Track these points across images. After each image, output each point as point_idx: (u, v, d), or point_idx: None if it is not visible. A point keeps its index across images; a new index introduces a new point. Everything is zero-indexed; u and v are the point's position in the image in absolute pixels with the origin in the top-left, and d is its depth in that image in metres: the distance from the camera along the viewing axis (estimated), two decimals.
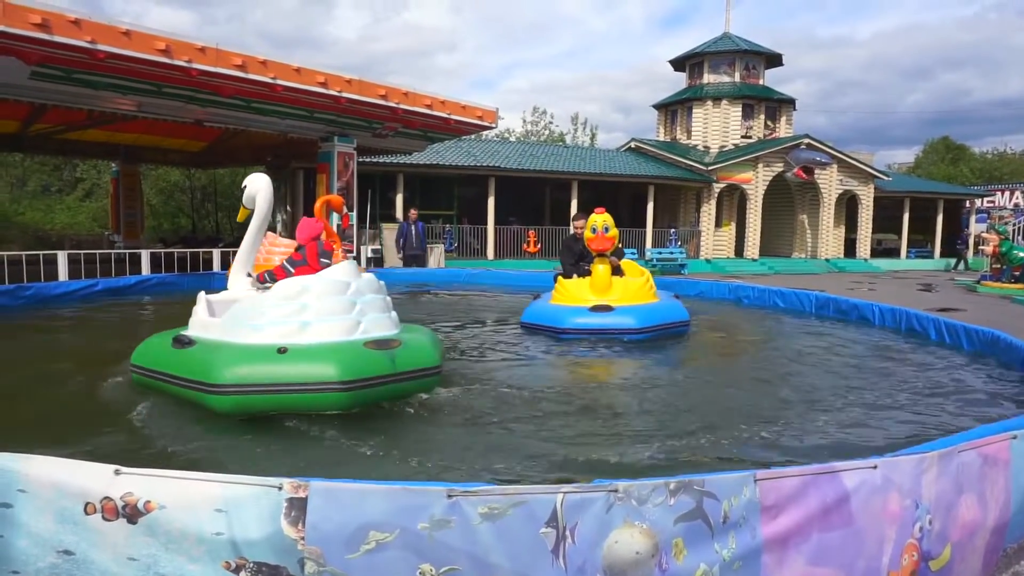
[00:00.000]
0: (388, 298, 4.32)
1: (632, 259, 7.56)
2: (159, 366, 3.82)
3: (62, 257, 10.52)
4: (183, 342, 3.82)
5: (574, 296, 6.25)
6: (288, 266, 4.35)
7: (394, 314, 4.28)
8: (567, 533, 1.87)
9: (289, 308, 3.81)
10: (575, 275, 6.55)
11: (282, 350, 3.54)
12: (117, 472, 1.86)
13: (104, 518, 1.84)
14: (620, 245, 6.64)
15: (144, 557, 1.84)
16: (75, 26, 8.07)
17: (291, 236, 9.13)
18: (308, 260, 4.37)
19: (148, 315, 7.74)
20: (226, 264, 11.68)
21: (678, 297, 6.95)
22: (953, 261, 28.72)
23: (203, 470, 1.91)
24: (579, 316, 6.00)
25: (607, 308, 5.96)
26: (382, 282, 4.42)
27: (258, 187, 4.66)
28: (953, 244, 32.41)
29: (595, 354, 5.58)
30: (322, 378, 3.44)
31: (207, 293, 4.27)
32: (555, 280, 6.74)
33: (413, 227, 14.38)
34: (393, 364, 3.67)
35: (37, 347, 5.44)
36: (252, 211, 4.68)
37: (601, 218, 6.27)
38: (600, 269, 6.24)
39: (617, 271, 6.48)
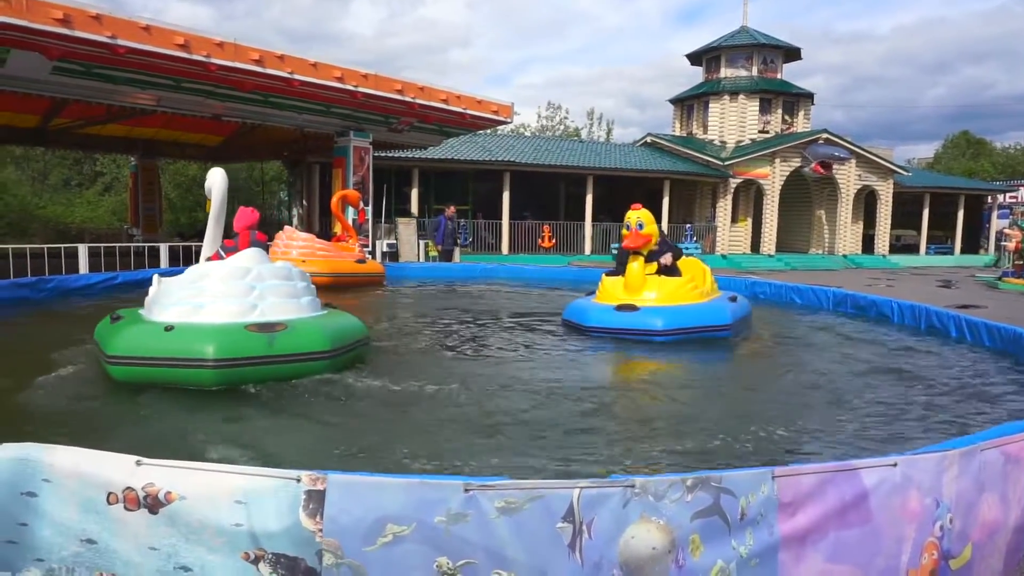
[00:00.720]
0: (303, 284, 4.55)
1: (694, 255, 7.39)
2: (97, 337, 4.21)
3: (83, 250, 10.66)
4: (114, 318, 4.22)
5: (609, 294, 6.08)
6: (222, 252, 4.69)
7: (308, 299, 4.49)
8: (584, 528, 1.87)
9: (189, 291, 4.19)
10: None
11: (168, 328, 3.86)
12: (139, 463, 1.88)
13: (126, 508, 1.87)
14: (675, 242, 6.50)
15: (165, 547, 1.86)
16: (96, 21, 8.16)
17: (307, 230, 9.19)
18: (239, 247, 4.65)
19: None
20: None
21: (735, 299, 6.44)
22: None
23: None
24: (603, 314, 5.88)
25: (632, 308, 5.77)
26: (299, 270, 4.69)
27: (213, 181, 5.11)
28: (976, 240, 31.97)
29: (607, 351, 5.54)
30: (195, 355, 3.72)
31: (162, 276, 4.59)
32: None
33: (450, 222, 14.78)
34: (270, 347, 3.86)
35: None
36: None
37: (635, 214, 5.99)
38: (634, 267, 5.95)
39: (669, 271, 6.16)
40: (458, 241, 15.87)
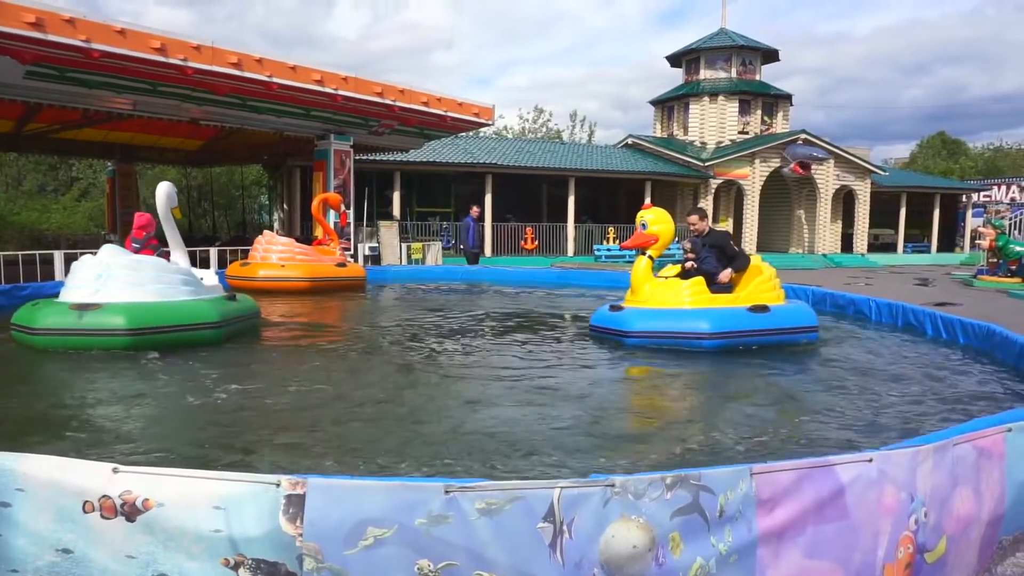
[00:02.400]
0: (155, 274, 5.38)
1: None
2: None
3: (59, 257, 10.50)
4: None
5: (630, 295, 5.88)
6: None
7: (159, 287, 5.31)
8: (564, 528, 1.88)
9: (69, 278, 5.35)
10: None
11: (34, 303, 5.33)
12: (115, 470, 1.86)
13: (102, 516, 1.85)
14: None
15: (143, 555, 1.84)
16: (69, 25, 8.05)
17: (288, 234, 9.14)
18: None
19: None
20: (223, 262, 11.67)
21: (765, 309, 5.68)
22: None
23: None
24: (601, 314, 5.89)
25: (618, 308, 5.75)
26: (152, 262, 5.58)
27: (157, 194, 6.24)
28: (952, 238, 32.46)
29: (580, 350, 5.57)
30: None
31: None
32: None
33: (476, 224, 14.29)
34: (79, 321, 4.91)
35: None
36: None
37: (643, 213, 5.85)
38: (637, 268, 5.78)
39: (722, 286, 5.79)
40: (439, 242, 15.80)
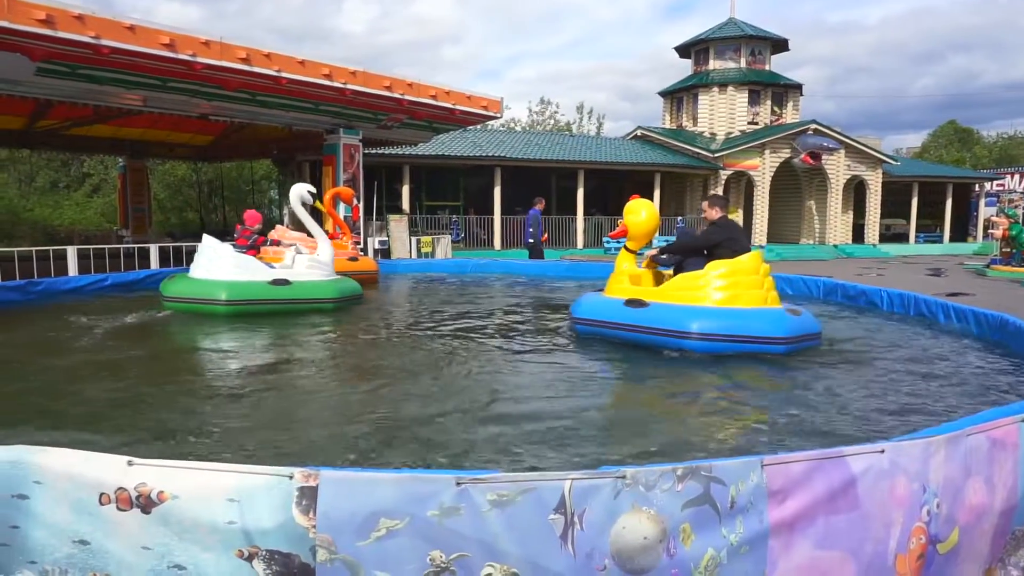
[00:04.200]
0: (311, 261, 7.34)
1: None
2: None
3: (71, 252, 10.59)
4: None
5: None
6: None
7: (312, 270, 7.27)
8: (575, 519, 1.88)
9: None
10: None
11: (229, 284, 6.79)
12: (130, 463, 1.88)
13: (118, 508, 1.87)
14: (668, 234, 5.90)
15: (158, 546, 1.87)
16: (79, 21, 8.10)
17: (298, 228, 9.18)
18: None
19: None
20: None
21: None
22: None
23: None
24: (605, 306, 5.74)
25: (641, 304, 5.55)
26: (314, 256, 7.46)
27: (290, 195, 7.91)
28: (964, 228, 32.17)
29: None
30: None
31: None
32: None
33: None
34: (276, 292, 6.86)
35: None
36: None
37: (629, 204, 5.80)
38: (618, 258, 5.88)
39: (678, 267, 5.65)
40: (449, 235, 15.42)
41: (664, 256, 5.93)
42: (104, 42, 8.35)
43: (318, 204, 7.89)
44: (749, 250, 5.36)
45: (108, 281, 8.29)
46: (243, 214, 8.89)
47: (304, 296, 6.98)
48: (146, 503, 1.86)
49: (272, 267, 7.16)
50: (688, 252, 5.72)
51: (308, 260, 7.33)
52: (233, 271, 6.73)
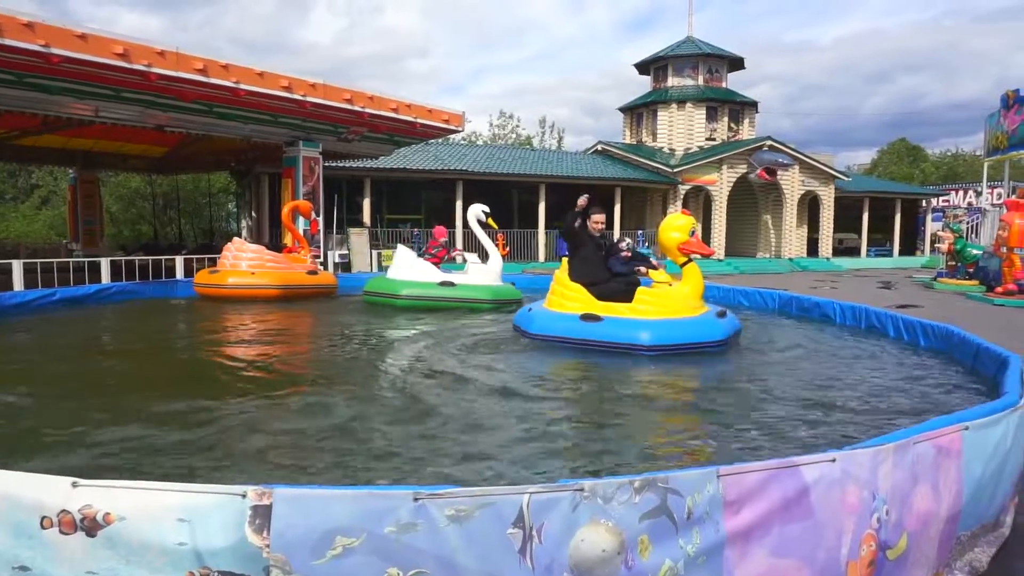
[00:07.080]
0: (479, 267, 8.74)
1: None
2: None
3: (17, 266, 10.25)
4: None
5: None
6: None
7: (482, 277, 8.62)
8: (534, 533, 1.88)
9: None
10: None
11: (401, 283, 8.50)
12: (75, 484, 1.82)
13: (61, 532, 1.80)
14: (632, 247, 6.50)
15: (104, 571, 1.80)
16: (28, 29, 7.89)
17: (257, 241, 9.06)
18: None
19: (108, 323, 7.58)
20: (190, 271, 11.48)
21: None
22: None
23: None
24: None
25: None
26: (483, 265, 8.84)
27: (468, 214, 8.97)
28: (913, 242, 33.29)
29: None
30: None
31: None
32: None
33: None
34: (445, 292, 8.37)
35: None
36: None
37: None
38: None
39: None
40: None
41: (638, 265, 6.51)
42: (54, 51, 8.14)
43: (490, 221, 8.88)
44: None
45: (56, 296, 8.03)
46: (432, 229, 10.44)
47: (464, 296, 8.25)
48: (91, 525, 1.80)
49: (445, 271, 8.53)
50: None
51: (482, 268, 8.65)
52: (411, 273, 8.29)
